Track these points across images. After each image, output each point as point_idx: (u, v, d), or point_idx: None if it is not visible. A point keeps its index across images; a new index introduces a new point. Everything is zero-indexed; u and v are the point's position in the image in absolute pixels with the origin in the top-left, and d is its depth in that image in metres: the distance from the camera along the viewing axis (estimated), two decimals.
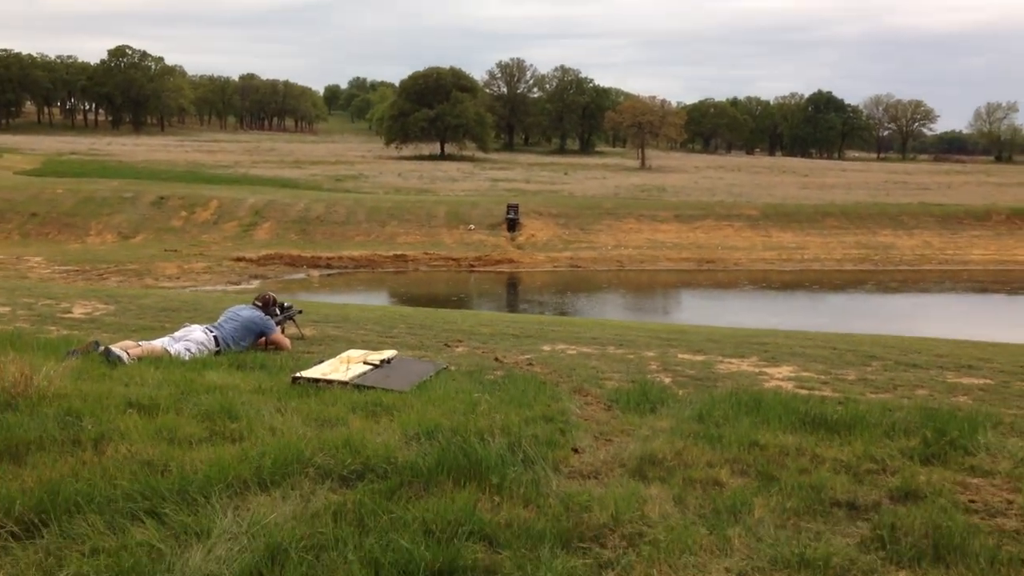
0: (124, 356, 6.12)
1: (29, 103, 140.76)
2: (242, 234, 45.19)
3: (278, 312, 7.67)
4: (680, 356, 7.88)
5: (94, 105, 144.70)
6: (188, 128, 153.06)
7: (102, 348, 6.26)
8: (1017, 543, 3.51)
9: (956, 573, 3.21)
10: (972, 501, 4.01)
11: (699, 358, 7.82)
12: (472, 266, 40.21)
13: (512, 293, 35.32)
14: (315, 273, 38.35)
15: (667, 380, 6.65)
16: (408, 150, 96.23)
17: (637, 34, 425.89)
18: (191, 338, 6.89)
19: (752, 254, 42.88)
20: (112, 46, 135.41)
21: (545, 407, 5.19)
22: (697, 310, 29.88)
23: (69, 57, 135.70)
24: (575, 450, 4.50)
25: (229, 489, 3.66)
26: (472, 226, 46.28)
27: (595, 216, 48.39)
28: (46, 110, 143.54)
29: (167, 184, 54.56)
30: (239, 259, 39.69)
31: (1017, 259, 42.93)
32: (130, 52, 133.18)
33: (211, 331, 7.08)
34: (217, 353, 6.90)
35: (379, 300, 30.84)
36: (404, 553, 3.08)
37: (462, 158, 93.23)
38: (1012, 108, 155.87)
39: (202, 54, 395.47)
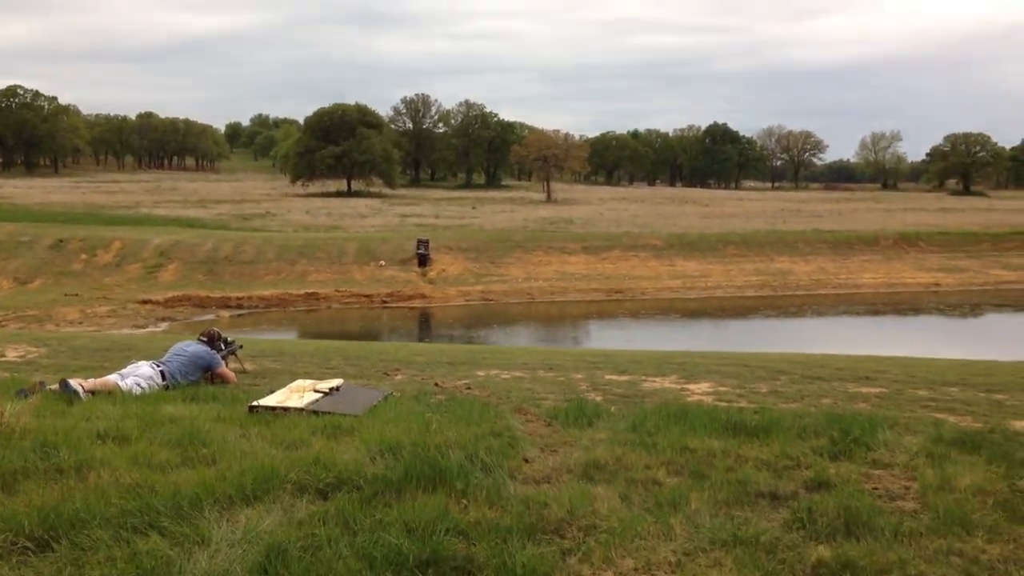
0: (80, 390, 6.31)
1: None
2: (147, 276, 44.26)
3: (223, 347, 7.92)
4: (607, 376, 8.41)
5: None
6: (84, 168, 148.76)
7: (58, 383, 6.43)
8: (915, 519, 4.09)
9: (865, 545, 3.75)
10: (875, 488, 4.59)
11: (624, 378, 8.36)
12: (384, 302, 40.29)
13: (426, 328, 35.56)
14: (225, 314, 37.85)
15: (598, 398, 7.16)
16: (314, 187, 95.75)
17: (538, 69, 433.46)
18: (139, 373, 7.09)
19: (658, 283, 44.12)
20: (1, 85, 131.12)
21: (491, 424, 5.61)
22: (610, 339, 30.67)
23: None
24: (526, 460, 4.93)
25: (217, 504, 3.98)
26: (383, 262, 46.39)
27: (505, 249, 49.10)
28: None
29: (65, 227, 53.10)
30: (145, 301, 38.88)
31: (905, 281, 45.25)
32: (22, 92, 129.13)
33: (158, 366, 7.29)
34: (166, 387, 7.11)
35: (293, 339, 30.72)
36: (392, 548, 3.47)
37: (369, 194, 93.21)
38: (896, 137, 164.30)
39: (96, 89, 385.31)
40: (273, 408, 5.96)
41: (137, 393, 6.73)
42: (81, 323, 33.71)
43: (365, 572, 3.31)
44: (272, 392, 6.59)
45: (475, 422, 5.63)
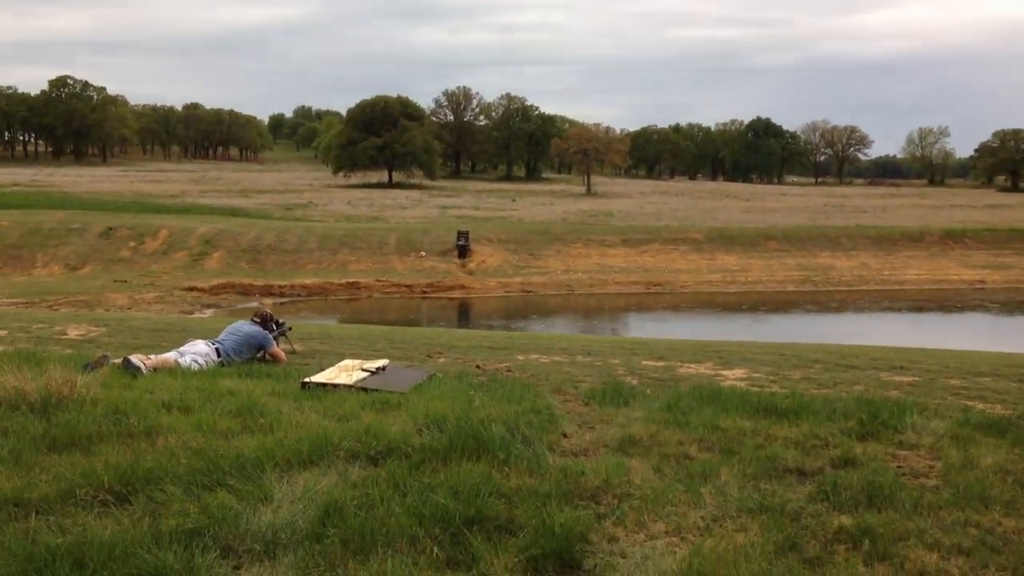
0: (142, 366, 6.68)
1: None
2: (192, 263, 45.12)
3: (274, 327, 8.27)
4: (644, 362, 8.64)
5: (34, 136, 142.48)
6: (131, 158, 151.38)
7: (121, 359, 6.81)
8: (935, 495, 4.28)
9: (886, 516, 3.95)
10: (900, 467, 4.78)
11: (660, 363, 8.59)
12: (424, 292, 40.74)
13: (466, 318, 35.91)
14: (268, 301, 38.37)
15: (634, 382, 7.39)
16: (356, 178, 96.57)
17: (580, 62, 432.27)
18: (197, 351, 7.46)
19: (698, 277, 44.09)
20: (52, 76, 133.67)
21: (532, 402, 5.87)
22: (649, 331, 30.78)
23: (9, 88, 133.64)
24: (564, 435, 5.19)
25: (277, 467, 4.29)
26: (423, 253, 46.87)
27: (544, 242, 49.31)
28: None
29: (114, 215, 54.22)
30: (191, 288, 39.71)
31: (949, 278, 44.75)
32: (71, 82, 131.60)
33: (214, 345, 7.66)
34: (221, 365, 7.47)
35: (338, 324, 31.22)
36: (440, 507, 3.74)
37: (410, 186, 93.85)
38: (943, 133, 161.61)
39: (144, 83, 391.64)
40: (324, 384, 6.28)
41: (195, 369, 7.09)
42: (129, 308, 34.48)
43: (415, 528, 3.58)
44: (322, 370, 6.91)
45: (516, 400, 5.89)
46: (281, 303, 37.90)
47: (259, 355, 7.94)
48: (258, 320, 8.16)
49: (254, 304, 37.63)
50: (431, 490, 3.96)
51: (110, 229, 48.55)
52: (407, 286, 41.53)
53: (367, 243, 47.73)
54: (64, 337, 9.62)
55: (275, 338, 8.21)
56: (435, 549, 3.44)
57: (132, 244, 46.95)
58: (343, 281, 41.97)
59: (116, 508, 3.72)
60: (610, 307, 38.75)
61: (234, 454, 4.38)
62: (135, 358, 6.80)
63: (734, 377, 7.89)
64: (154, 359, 7.05)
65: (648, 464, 4.61)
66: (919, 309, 37.77)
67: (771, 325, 33.16)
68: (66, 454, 4.40)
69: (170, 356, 7.28)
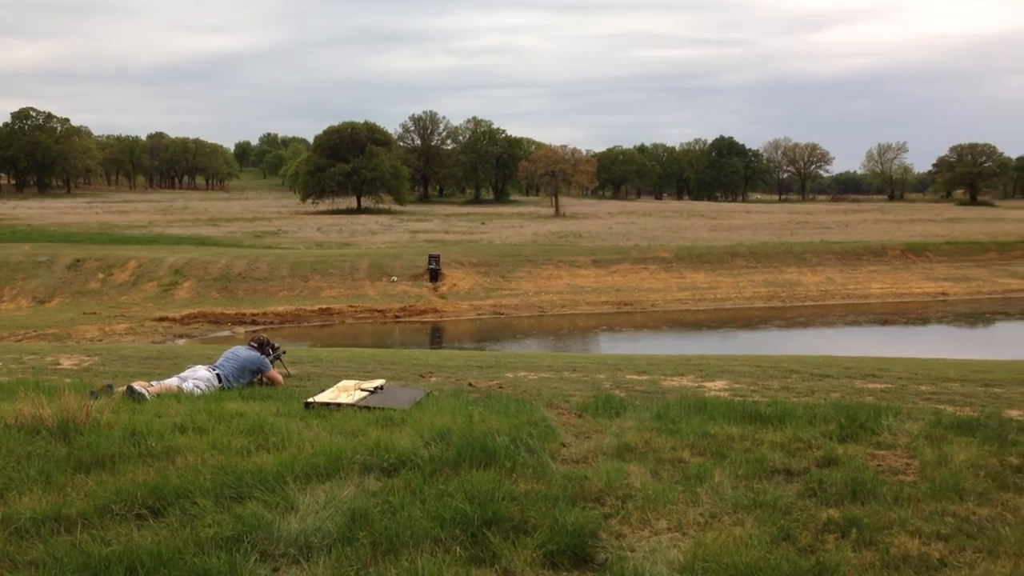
0: (145, 393, 6.87)
1: None
2: (163, 294, 44.90)
3: (271, 352, 8.48)
4: (628, 376, 8.94)
5: None
6: (95, 189, 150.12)
7: (125, 387, 6.99)
8: (914, 488, 4.60)
9: (870, 508, 4.27)
10: (879, 465, 5.11)
11: (645, 377, 8.90)
12: (397, 317, 40.85)
13: (440, 342, 36.06)
14: (240, 330, 38.38)
15: (622, 394, 7.69)
16: (324, 205, 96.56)
17: (545, 84, 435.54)
18: (198, 376, 7.66)
19: (668, 295, 44.61)
20: (13, 107, 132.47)
21: (528, 416, 6.14)
22: (623, 350, 31.14)
23: None
24: (563, 444, 5.46)
25: (297, 480, 4.52)
26: (395, 278, 47.00)
27: (515, 264, 49.64)
28: None
29: (81, 246, 53.79)
30: (162, 319, 39.52)
31: (912, 291, 45.65)
32: (34, 114, 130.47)
33: (214, 370, 7.86)
34: (221, 389, 7.67)
35: (326, 348, 31.25)
36: (458, 510, 4.00)
37: (379, 211, 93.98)
38: (902, 148, 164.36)
39: (107, 113, 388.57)
40: (327, 404, 6.51)
41: (197, 394, 7.28)
42: (100, 340, 34.24)
43: (437, 530, 3.84)
44: (322, 391, 7.13)
45: (512, 414, 6.16)
46: (254, 331, 37.79)
47: (257, 379, 8.15)
48: (255, 345, 8.37)
49: (226, 333, 37.62)
50: (447, 496, 4.22)
51: (78, 261, 48.21)
52: (380, 311, 41.64)
53: (338, 269, 47.78)
54: (59, 367, 9.75)
55: (271, 362, 8.42)
56: (457, 548, 3.70)
57: (101, 276, 46.65)
58: (315, 308, 41.98)
59: (152, 520, 3.95)
60: (582, 327, 39.10)
61: (255, 469, 4.62)
62: (138, 385, 6.99)
63: (716, 388, 8.22)
64: (157, 386, 7.24)
65: (646, 468, 4.90)
66: (885, 322, 38.50)
67: (742, 340, 33.68)
68: (93, 474, 4.61)
69: (172, 382, 7.47)
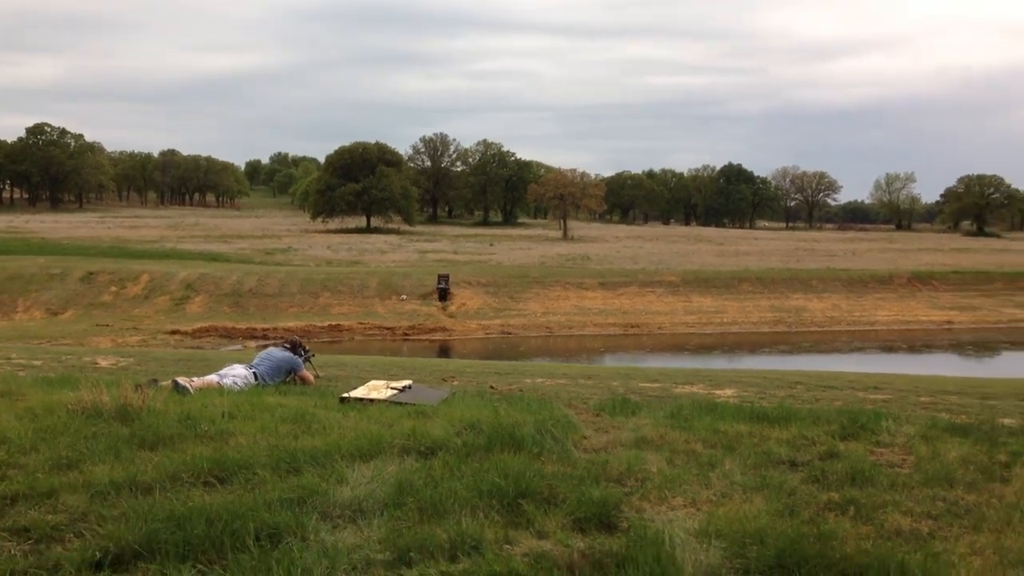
0: (189, 387, 7.31)
1: None
2: (175, 307, 45.44)
3: (302, 353, 8.95)
4: (641, 384, 9.38)
5: (9, 183, 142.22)
6: (107, 204, 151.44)
7: (170, 381, 7.44)
8: (908, 478, 5.02)
9: (867, 491, 4.68)
10: (877, 460, 5.52)
11: (656, 385, 9.34)
12: (406, 335, 41.29)
13: (448, 359, 36.44)
14: (251, 344, 38.74)
15: (636, 399, 8.12)
16: (334, 223, 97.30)
17: (555, 108, 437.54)
18: (236, 374, 8.11)
19: (674, 318, 45.01)
20: (27, 123, 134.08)
21: (550, 413, 6.55)
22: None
23: None
24: (584, 437, 5.89)
25: (343, 459, 4.95)
26: (404, 296, 47.49)
27: (523, 285, 50.11)
28: None
29: (94, 260, 54.41)
30: (174, 332, 40.00)
31: (918, 319, 46.00)
32: (49, 130, 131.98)
33: (250, 368, 8.32)
34: (256, 387, 8.11)
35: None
36: (494, 484, 4.43)
37: (388, 231, 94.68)
38: (910, 179, 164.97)
39: (119, 130, 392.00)
40: (360, 399, 6.95)
41: (236, 390, 7.72)
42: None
43: (476, 500, 4.26)
44: (354, 389, 7.58)
45: (535, 411, 6.58)
46: (264, 345, 38.26)
47: (290, 378, 8.60)
48: (288, 346, 8.85)
49: (237, 347, 38.04)
50: (483, 472, 4.65)
51: (91, 274, 48.80)
52: (389, 328, 42.08)
53: (348, 286, 48.30)
54: (97, 366, 10.21)
55: (304, 362, 8.88)
56: (495, 515, 4.12)
57: (113, 289, 47.22)
58: (325, 324, 42.45)
59: (220, 487, 4.38)
60: (589, 348, 39.47)
61: (305, 448, 5.05)
62: (182, 380, 7.43)
63: (725, 395, 8.64)
64: (198, 381, 7.68)
65: (661, 457, 5.32)
66: (890, 348, 38.83)
67: (748, 363, 34.02)
68: (157, 451, 5.04)
69: (212, 378, 7.92)
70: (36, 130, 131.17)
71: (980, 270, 58.94)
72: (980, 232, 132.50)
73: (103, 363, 10.42)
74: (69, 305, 45.28)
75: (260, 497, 4.15)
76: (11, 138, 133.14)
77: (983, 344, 40.11)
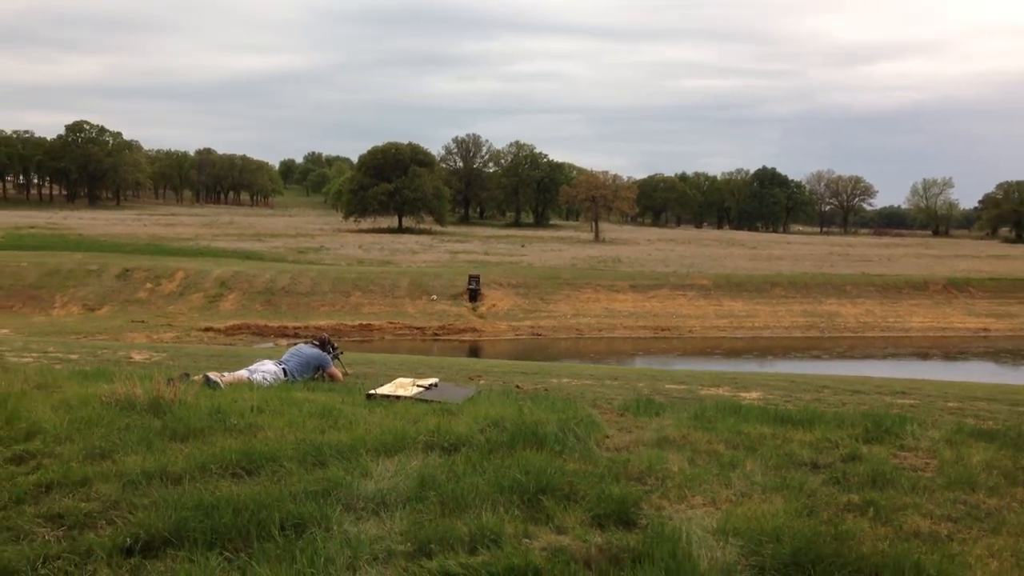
0: (219, 382, 7.46)
1: None
2: (208, 305, 45.97)
3: (331, 350, 9.08)
4: (667, 386, 9.40)
5: (48, 179, 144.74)
6: (143, 202, 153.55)
7: (201, 376, 7.59)
8: (930, 481, 5.01)
9: (888, 494, 4.69)
10: (900, 463, 5.52)
11: (682, 387, 9.35)
12: (436, 335, 41.49)
13: (476, 359, 36.55)
14: (283, 342, 39.05)
15: (661, 400, 8.15)
16: (366, 223, 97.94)
17: (588, 110, 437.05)
18: (265, 369, 8.25)
19: (705, 322, 44.84)
20: (66, 120, 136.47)
21: (573, 412, 6.60)
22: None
23: (26, 132, 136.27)
24: (606, 436, 5.94)
25: (368, 453, 5.04)
26: (435, 296, 47.71)
27: (554, 286, 50.14)
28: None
29: (130, 257, 55.15)
30: (207, 329, 40.50)
31: (953, 325, 45.46)
32: (88, 127, 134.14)
33: (280, 364, 8.46)
34: (285, 382, 8.24)
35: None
36: (515, 480, 4.49)
37: (420, 231, 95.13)
38: (947, 184, 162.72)
39: (156, 128, 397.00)
40: (387, 396, 7.05)
41: (265, 385, 7.86)
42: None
43: (497, 495, 4.32)
44: (381, 386, 7.68)
45: (559, 410, 6.64)
46: (295, 344, 38.58)
47: (318, 375, 8.73)
48: (317, 343, 8.98)
49: (269, 345, 38.44)
50: (504, 469, 4.71)
51: (127, 271, 49.50)
52: (419, 328, 42.31)
53: (379, 286, 48.58)
54: (131, 360, 10.42)
55: (333, 359, 9.01)
56: (516, 510, 4.18)
57: (149, 286, 47.86)
58: (356, 323, 42.76)
59: (247, 478, 4.49)
60: (619, 351, 39.44)
61: (331, 442, 5.15)
62: (213, 375, 7.58)
63: (751, 398, 8.64)
64: (229, 376, 7.83)
65: (683, 457, 5.36)
66: (924, 355, 38.44)
67: (777, 368, 33.83)
68: (187, 443, 5.17)
69: (242, 373, 8.07)
70: (75, 128, 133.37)
71: (1018, 277, 58.05)
72: (1019, 239, 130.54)
73: (137, 358, 10.63)
74: (105, 301, 45.96)
75: (286, 488, 4.25)
76: (51, 135, 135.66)
77: (1019, 352, 39.56)
